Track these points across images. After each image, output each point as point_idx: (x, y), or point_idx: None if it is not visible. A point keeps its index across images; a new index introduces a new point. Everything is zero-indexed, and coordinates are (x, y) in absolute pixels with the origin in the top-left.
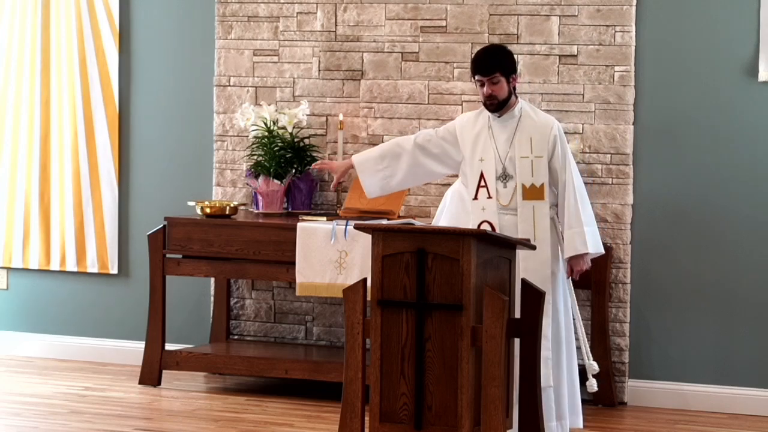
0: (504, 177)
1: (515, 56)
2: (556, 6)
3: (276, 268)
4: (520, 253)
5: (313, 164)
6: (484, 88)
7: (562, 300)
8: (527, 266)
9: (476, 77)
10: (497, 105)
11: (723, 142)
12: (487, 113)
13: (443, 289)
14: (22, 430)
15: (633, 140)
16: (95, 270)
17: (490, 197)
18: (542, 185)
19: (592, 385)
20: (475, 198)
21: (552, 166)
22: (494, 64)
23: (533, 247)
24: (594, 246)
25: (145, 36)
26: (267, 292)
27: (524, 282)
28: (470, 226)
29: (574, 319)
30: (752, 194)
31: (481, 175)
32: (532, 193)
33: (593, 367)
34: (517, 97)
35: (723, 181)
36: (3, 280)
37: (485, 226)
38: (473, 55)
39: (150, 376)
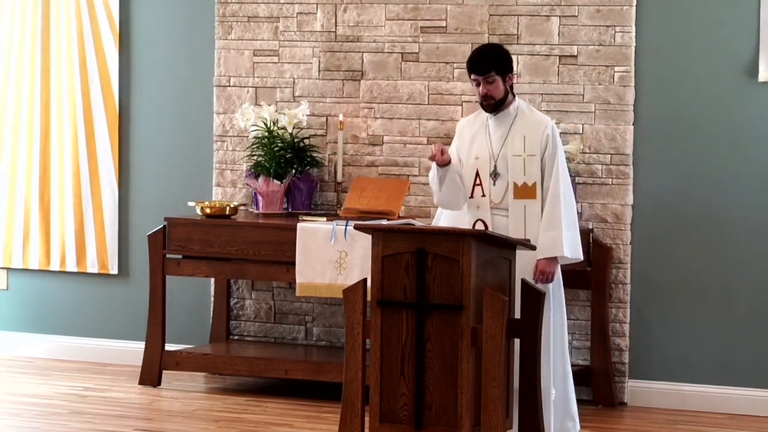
0: (495, 174)
1: (513, 55)
2: (556, 6)
3: (276, 269)
4: None
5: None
6: (480, 88)
7: (552, 303)
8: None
9: (472, 76)
10: (494, 105)
11: (723, 142)
12: (485, 113)
13: (443, 289)
14: (22, 430)
15: (633, 140)
16: (95, 270)
17: (484, 195)
18: (534, 184)
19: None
20: (471, 196)
21: (542, 166)
22: (489, 64)
23: (533, 248)
24: (571, 251)
25: (145, 36)
26: (267, 292)
27: (524, 282)
28: (465, 225)
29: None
30: (752, 194)
31: (477, 173)
32: (524, 191)
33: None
34: (514, 96)
35: (723, 181)
36: (3, 280)
37: (479, 225)
38: (469, 54)
39: (150, 376)
